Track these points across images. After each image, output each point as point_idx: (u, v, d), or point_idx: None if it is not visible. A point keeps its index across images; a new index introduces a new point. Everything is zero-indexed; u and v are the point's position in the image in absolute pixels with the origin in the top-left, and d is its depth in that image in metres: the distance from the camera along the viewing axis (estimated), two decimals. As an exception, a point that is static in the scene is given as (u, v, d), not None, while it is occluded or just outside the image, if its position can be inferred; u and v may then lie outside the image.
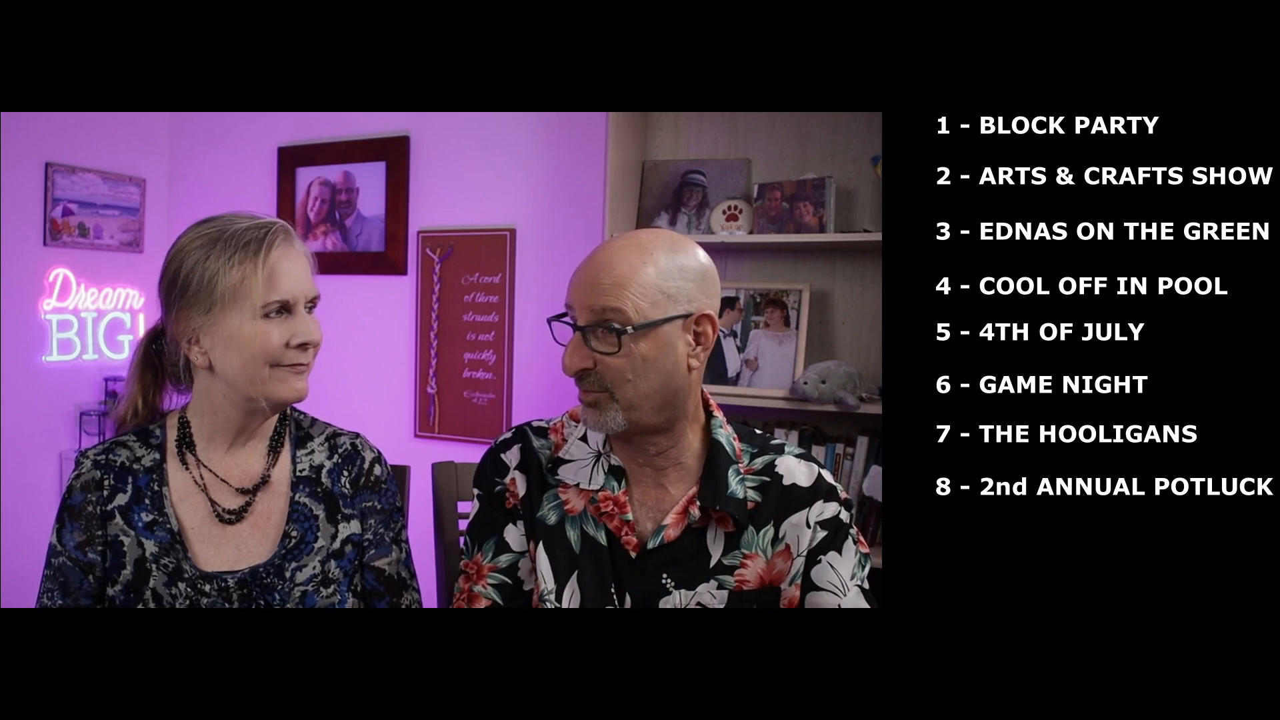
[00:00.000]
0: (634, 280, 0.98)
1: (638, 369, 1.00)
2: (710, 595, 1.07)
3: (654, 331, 0.99)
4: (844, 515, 1.10)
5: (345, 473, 1.19)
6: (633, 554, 1.07)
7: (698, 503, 1.06)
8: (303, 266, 1.10)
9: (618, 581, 1.08)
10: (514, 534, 1.12)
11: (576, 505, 1.10)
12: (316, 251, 1.17)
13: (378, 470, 1.21)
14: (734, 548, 1.07)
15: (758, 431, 1.17)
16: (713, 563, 1.07)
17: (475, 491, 1.17)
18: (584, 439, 1.12)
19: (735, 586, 1.07)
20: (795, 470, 1.10)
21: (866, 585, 1.09)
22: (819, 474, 1.11)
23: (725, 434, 1.11)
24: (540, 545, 1.10)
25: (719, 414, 1.12)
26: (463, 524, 1.37)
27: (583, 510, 1.10)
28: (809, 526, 1.08)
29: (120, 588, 1.08)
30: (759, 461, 1.11)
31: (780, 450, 1.13)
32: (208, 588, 1.09)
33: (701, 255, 1.04)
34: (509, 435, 1.17)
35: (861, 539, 1.12)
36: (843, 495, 1.11)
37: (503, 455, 1.15)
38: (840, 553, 1.08)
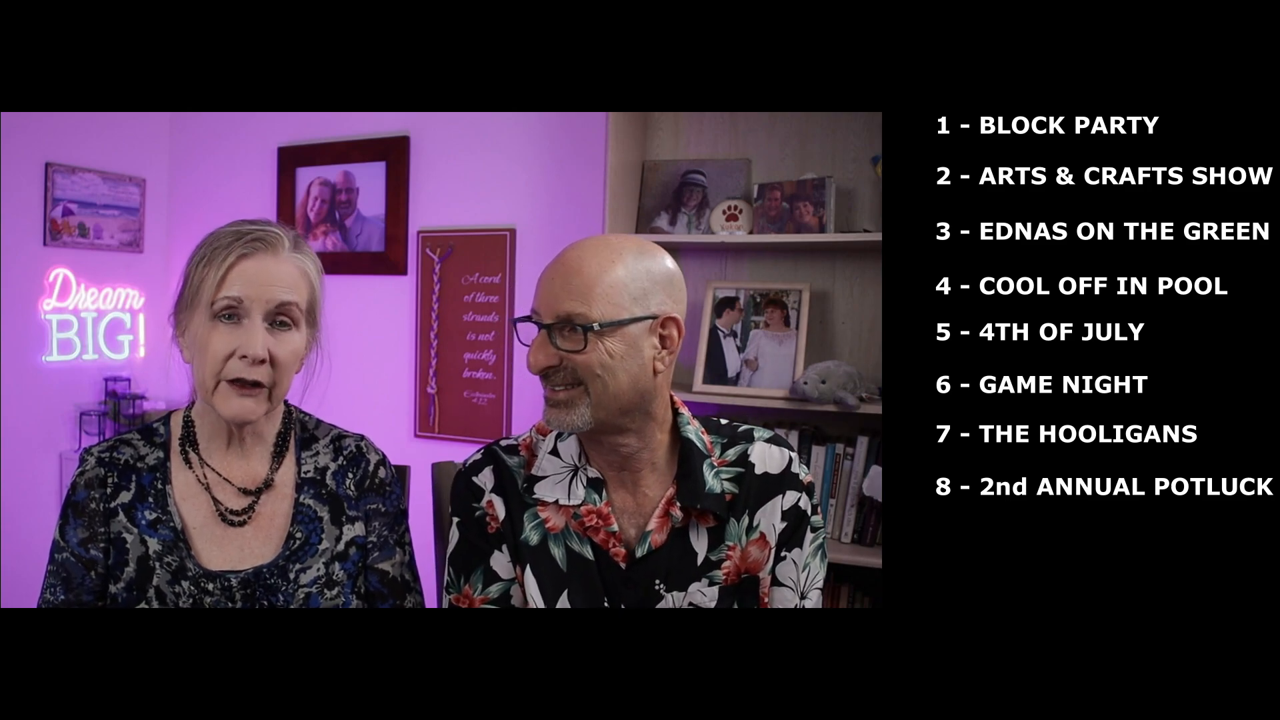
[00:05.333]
0: (602, 280, 0.99)
1: (607, 365, 0.99)
2: (701, 594, 1.07)
3: (621, 331, 0.99)
4: (803, 502, 1.11)
5: (350, 475, 1.18)
6: (622, 565, 1.06)
7: (678, 503, 1.06)
8: (276, 272, 1.05)
9: (609, 594, 1.07)
10: (500, 561, 1.10)
11: (557, 522, 1.08)
12: (316, 252, 1.14)
13: (382, 473, 1.21)
14: (719, 542, 1.08)
15: (724, 421, 1.16)
16: (700, 560, 1.07)
17: (454, 519, 1.14)
18: (555, 453, 1.10)
19: (723, 581, 1.08)
20: (768, 457, 1.11)
21: (820, 580, 1.12)
22: (789, 459, 1.12)
23: (693, 429, 1.11)
24: (527, 568, 1.09)
25: (685, 410, 1.12)
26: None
27: (565, 527, 1.08)
28: (781, 517, 1.10)
29: (123, 585, 1.08)
30: (731, 452, 1.11)
31: (750, 438, 1.13)
32: (211, 586, 1.08)
33: (669, 261, 1.05)
34: (478, 457, 1.14)
35: (817, 512, 1.14)
36: (805, 480, 1.12)
37: (475, 479, 1.12)
38: (802, 546, 1.11)
